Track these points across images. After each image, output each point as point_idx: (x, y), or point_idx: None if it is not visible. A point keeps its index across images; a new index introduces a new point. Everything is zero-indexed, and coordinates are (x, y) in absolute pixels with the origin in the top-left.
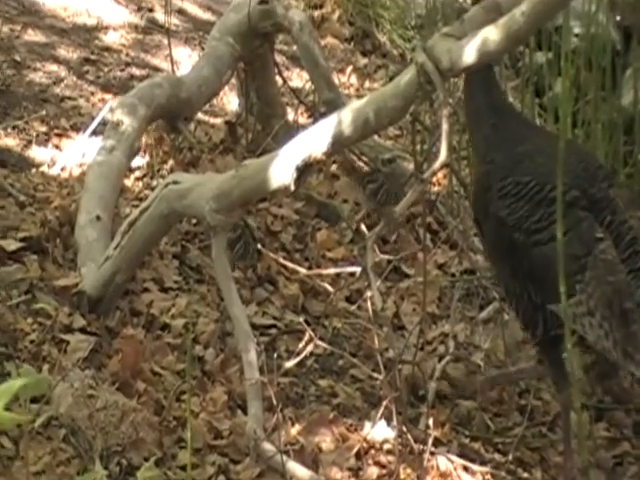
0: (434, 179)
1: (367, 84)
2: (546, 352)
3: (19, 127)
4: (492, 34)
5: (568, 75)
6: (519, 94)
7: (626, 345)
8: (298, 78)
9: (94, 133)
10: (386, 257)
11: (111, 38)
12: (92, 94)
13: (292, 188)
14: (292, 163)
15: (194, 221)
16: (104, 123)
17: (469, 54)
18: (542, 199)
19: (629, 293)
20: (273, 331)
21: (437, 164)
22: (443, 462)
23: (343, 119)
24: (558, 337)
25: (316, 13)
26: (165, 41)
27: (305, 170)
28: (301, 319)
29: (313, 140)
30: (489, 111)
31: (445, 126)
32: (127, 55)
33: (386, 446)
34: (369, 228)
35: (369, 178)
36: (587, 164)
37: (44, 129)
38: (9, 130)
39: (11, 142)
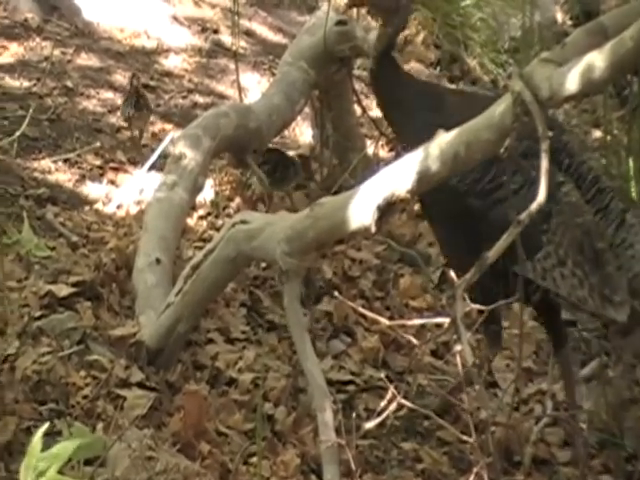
0: None
1: None
2: (493, 322)
3: (71, 160)
4: (597, 60)
5: None
6: (625, 125)
7: (603, 288)
8: (378, 107)
9: (153, 167)
10: (477, 307)
11: (172, 62)
12: (151, 124)
13: (373, 229)
14: (373, 202)
15: (264, 265)
16: (165, 156)
17: (572, 82)
18: (495, 155)
19: (599, 233)
20: (351, 388)
21: (535, 205)
22: None
23: (430, 153)
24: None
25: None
26: (232, 65)
27: (387, 210)
28: (382, 375)
29: (396, 177)
30: (416, 95)
31: (545, 162)
32: (190, 81)
33: None
34: (457, 274)
35: (262, 160)
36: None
37: (98, 162)
38: (60, 164)
39: (62, 177)
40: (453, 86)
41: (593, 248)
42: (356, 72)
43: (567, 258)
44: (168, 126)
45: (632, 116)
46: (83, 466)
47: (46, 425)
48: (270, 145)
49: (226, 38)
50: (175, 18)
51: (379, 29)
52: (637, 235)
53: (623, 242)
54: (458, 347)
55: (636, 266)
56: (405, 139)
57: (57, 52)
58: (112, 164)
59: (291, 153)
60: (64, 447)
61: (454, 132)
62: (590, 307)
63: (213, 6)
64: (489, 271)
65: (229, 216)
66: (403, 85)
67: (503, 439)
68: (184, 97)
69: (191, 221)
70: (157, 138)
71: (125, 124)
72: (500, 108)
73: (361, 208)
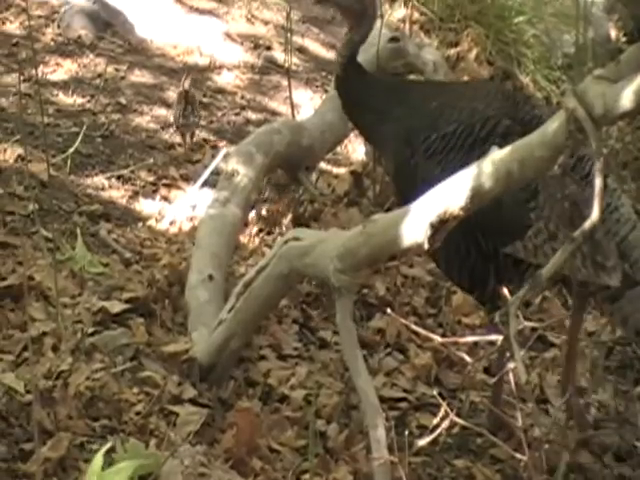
0: None
1: None
2: (493, 307)
3: (124, 177)
4: None
5: None
6: None
7: (595, 255)
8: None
9: (206, 184)
10: (530, 324)
11: (225, 79)
12: (204, 140)
13: (426, 246)
14: (426, 219)
15: (316, 282)
16: (217, 173)
17: (626, 99)
18: (474, 141)
19: (585, 201)
20: (403, 405)
21: (589, 223)
22: None
23: (483, 170)
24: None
25: (451, 51)
26: (284, 82)
27: (440, 227)
28: (435, 392)
29: (449, 193)
30: (382, 94)
31: (598, 180)
32: (242, 98)
33: None
34: (511, 291)
35: None
36: (503, 93)
37: (151, 179)
38: (113, 180)
39: (115, 193)
40: None
41: (582, 217)
42: None
43: (558, 231)
44: (221, 143)
45: None
46: None
47: (107, 446)
48: None
49: (279, 55)
50: (228, 35)
51: (345, 35)
52: (620, 199)
53: (608, 206)
54: (511, 364)
55: (622, 229)
56: (375, 139)
57: (110, 69)
58: (165, 180)
59: (343, 170)
60: (125, 466)
61: (507, 149)
62: (583, 276)
63: (266, 23)
64: (479, 253)
65: (282, 233)
66: (368, 86)
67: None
68: (237, 114)
69: (243, 238)
70: (210, 155)
71: (178, 136)
72: (553, 125)
73: (414, 225)
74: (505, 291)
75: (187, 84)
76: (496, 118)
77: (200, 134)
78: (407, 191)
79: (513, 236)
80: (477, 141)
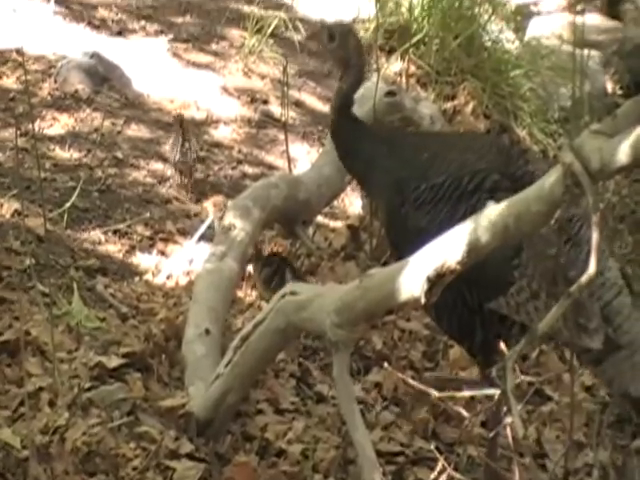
0: None
1: None
2: (486, 358)
3: (121, 231)
4: None
5: None
6: None
7: (578, 317)
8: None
9: (203, 238)
10: (527, 378)
11: (222, 133)
12: (201, 194)
13: (422, 300)
14: (423, 273)
15: (313, 336)
16: (213, 227)
17: (623, 153)
18: (461, 194)
19: (571, 262)
20: (401, 459)
21: (585, 277)
22: None
23: (480, 224)
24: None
25: (448, 105)
26: (281, 136)
27: (437, 281)
28: (432, 446)
29: (446, 248)
30: (375, 143)
31: (595, 235)
32: (239, 152)
33: None
34: (507, 344)
35: (264, 262)
36: (498, 147)
37: (148, 233)
38: (110, 234)
39: (112, 248)
40: None
41: (566, 278)
42: None
43: (541, 291)
44: (218, 196)
45: None
46: None
47: None
48: (274, 250)
49: (275, 109)
50: (225, 89)
51: (338, 84)
52: (607, 262)
53: None
54: (509, 419)
55: (607, 294)
56: (368, 188)
57: (107, 123)
58: (162, 235)
59: (340, 224)
60: None
61: (504, 203)
62: (565, 337)
63: (263, 77)
64: (465, 307)
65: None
66: (361, 136)
67: None
68: (233, 168)
69: (240, 292)
70: (206, 209)
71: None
72: (550, 180)
73: (411, 279)
74: (502, 345)
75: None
76: (485, 172)
77: (197, 188)
78: (398, 240)
79: (496, 292)
80: (464, 194)
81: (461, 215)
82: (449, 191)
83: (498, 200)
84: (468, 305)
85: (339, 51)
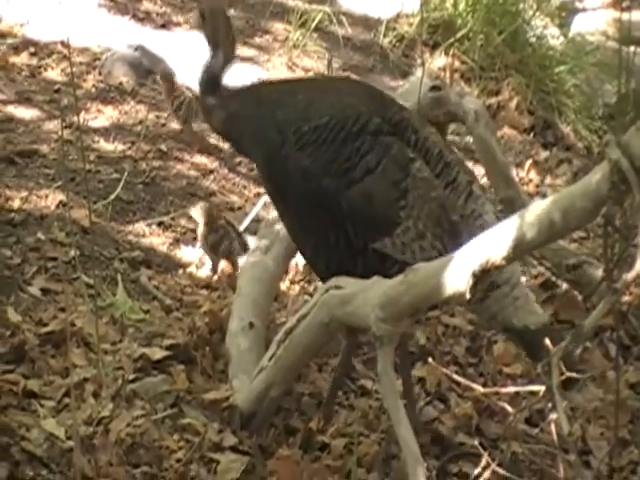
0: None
1: (548, 180)
2: None
3: (165, 224)
4: None
5: None
6: None
7: None
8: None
9: (247, 231)
10: (572, 375)
11: None
12: (244, 188)
13: (467, 296)
14: (468, 268)
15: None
16: (258, 220)
17: None
18: (346, 135)
19: (452, 205)
20: (443, 453)
21: (632, 273)
22: None
23: (525, 220)
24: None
25: (492, 100)
26: None
27: (482, 276)
28: (476, 442)
29: (491, 243)
30: (245, 100)
31: None
32: None
33: None
34: (552, 341)
35: (212, 228)
36: (371, 91)
37: (192, 226)
38: (154, 227)
39: (156, 240)
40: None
41: (449, 220)
42: (450, 137)
43: (426, 231)
44: (261, 190)
45: None
46: None
47: None
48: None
49: None
50: None
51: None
52: (484, 205)
53: (472, 213)
54: (554, 415)
55: None
56: (246, 149)
57: (151, 116)
58: None
59: None
60: None
61: (550, 199)
62: None
63: (307, 71)
64: (348, 246)
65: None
66: (229, 101)
67: None
68: None
69: (284, 285)
70: (250, 202)
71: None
72: (597, 176)
73: (456, 274)
74: (548, 342)
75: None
76: (368, 114)
77: (240, 182)
78: (278, 185)
79: (382, 232)
80: (349, 135)
81: (346, 157)
82: (333, 132)
83: (381, 143)
84: (352, 245)
85: (208, 29)
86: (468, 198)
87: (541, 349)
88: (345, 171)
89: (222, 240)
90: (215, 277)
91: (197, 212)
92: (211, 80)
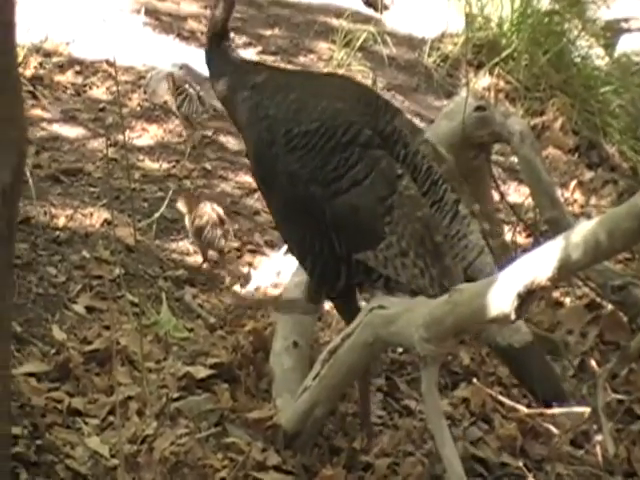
0: None
1: (593, 200)
2: (343, 301)
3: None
4: None
5: None
6: None
7: (442, 279)
8: (516, 193)
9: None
10: (617, 396)
11: None
12: None
13: (513, 317)
14: (512, 289)
15: (400, 350)
16: None
17: None
18: (335, 145)
19: (437, 226)
20: (489, 476)
21: None
22: None
23: (571, 241)
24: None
25: (537, 120)
26: None
27: (527, 297)
28: (520, 463)
29: (537, 264)
30: (240, 77)
31: None
32: None
33: None
34: (598, 363)
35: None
36: (367, 97)
37: (236, 245)
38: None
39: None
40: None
41: (433, 241)
42: (494, 158)
43: (409, 249)
44: None
45: None
46: None
47: None
48: None
49: None
50: None
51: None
52: (469, 226)
53: (457, 233)
54: (599, 437)
55: (469, 255)
56: (235, 119)
57: (196, 134)
58: (249, 246)
59: None
60: None
61: (595, 220)
62: (429, 294)
63: None
64: (332, 254)
65: (367, 300)
66: (229, 68)
67: None
68: None
69: (328, 305)
70: None
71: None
72: None
73: (501, 295)
74: (594, 363)
75: None
76: (359, 125)
77: None
78: (265, 177)
79: (366, 245)
80: (338, 145)
81: (334, 166)
82: (323, 140)
83: (370, 156)
84: (336, 253)
85: None
86: (454, 218)
87: (525, 368)
88: (332, 180)
89: (206, 225)
90: (204, 265)
91: (180, 203)
92: (217, 33)
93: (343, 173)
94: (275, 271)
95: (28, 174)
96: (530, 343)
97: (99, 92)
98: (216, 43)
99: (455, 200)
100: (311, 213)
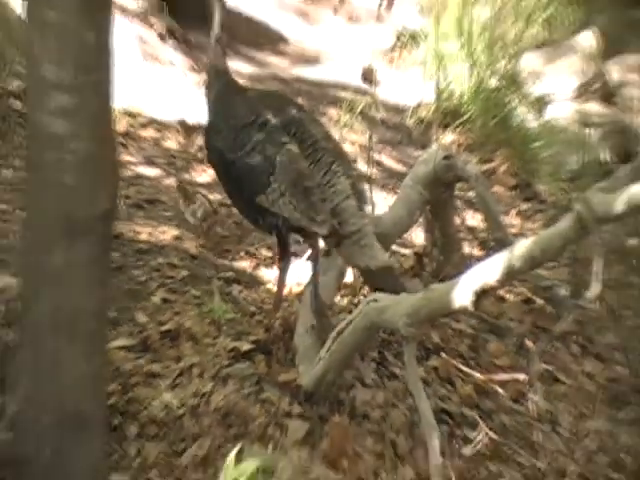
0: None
1: (528, 225)
2: (279, 244)
3: (250, 252)
4: (638, 189)
5: None
6: None
7: (309, 212)
8: (473, 219)
9: (309, 258)
10: (545, 366)
11: None
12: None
13: (470, 308)
14: (471, 288)
15: (389, 331)
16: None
17: (619, 205)
18: (243, 126)
19: (310, 176)
20: (452, 422)
21: (591, 294)
22: None
23: (514, 254)
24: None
25: (487, 166)
26: (367, 187)
27: (481, 294)
28: (475, 414)
29: (488, 270)
30: (217, 79)
31: (599, 262)
32: None
33: None
34: (532, 342)
35: (191, 199)
36: (282, 101)
37: (269, 254)
38: (242, 254)
39: (244, 264)
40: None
41: (303, 185)
42: (457, 193)
43: (286, 191)
44: None
45: None
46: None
47: (237, 448)
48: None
49: (362, 166)
50: None
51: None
52: (339, 178)
53: (327, 183)
54: (533, 396)
55: (336, 199)
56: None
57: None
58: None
59: (408, 251)
60: (250, 464)
61: (531, 239)
62: (302, 224)
63: (353, 143)
64: (245, 199)
65: (364, 295)
66: (219, 82)
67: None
68: None
69: (337, 298)
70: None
71: None
72: (567, 223)
73: (462, 293)
74: (529, 343)
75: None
76: (264, 115)
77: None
78: (212, 158)
79: (259, 191)
80: (245, 126)
81: (241, 140)
82: (238, 122)
83: (266, 132)
84: (248, 199)
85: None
86: (326, 173)
87: (379, 284)
88: (239, 148)
89: (199, 208)
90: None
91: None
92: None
93: (246, 143)
94: (298, 274)
95: (120, 202)
96: (384, 267)
97: (171, 143)
98: (222, 70)
99: (331, 162)
100: (233, 173)
